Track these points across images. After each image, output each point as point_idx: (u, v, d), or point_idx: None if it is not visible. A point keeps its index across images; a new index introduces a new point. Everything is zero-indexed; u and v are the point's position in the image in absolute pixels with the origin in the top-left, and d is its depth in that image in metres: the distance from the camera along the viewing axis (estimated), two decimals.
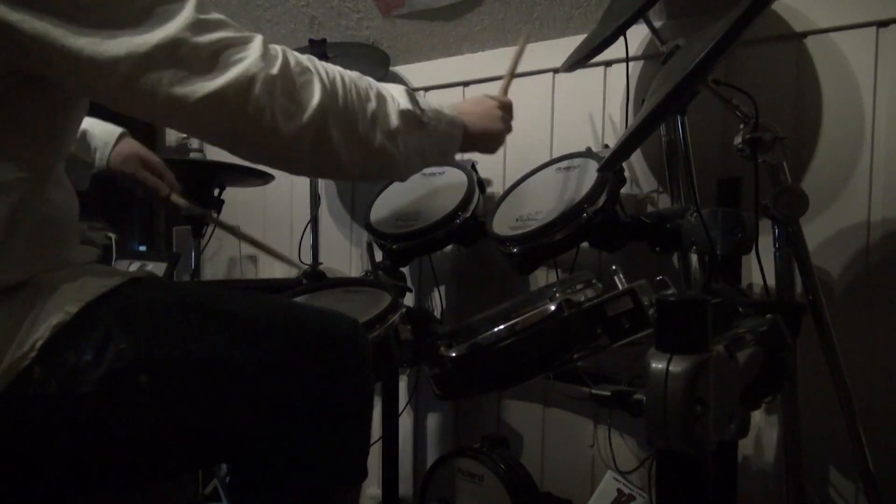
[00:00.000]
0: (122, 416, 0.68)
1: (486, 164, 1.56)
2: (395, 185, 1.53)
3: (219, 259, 2.09)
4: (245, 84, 0.67)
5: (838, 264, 1.20)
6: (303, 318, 0.84)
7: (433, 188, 1.45)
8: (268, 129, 0.70)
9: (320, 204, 1.75)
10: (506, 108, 1.07)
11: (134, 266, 1.67)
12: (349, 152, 0.77)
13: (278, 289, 1.41)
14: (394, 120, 0.82)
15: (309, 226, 1.70)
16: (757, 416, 1.24)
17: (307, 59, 0.76)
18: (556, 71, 1.51)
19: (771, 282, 1.01)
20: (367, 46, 1.71)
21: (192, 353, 0.72)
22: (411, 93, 0.87)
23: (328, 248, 1.80)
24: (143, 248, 2.27)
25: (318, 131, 0.73)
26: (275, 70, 0.69)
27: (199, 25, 0.66)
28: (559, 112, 1.52)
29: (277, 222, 2.02)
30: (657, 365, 0.67)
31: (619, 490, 1.32)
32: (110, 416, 0.67)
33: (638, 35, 1.36)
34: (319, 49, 1.58)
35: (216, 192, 1.55)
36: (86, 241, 0.87)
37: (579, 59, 1.26)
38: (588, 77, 1.46)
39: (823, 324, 0.98)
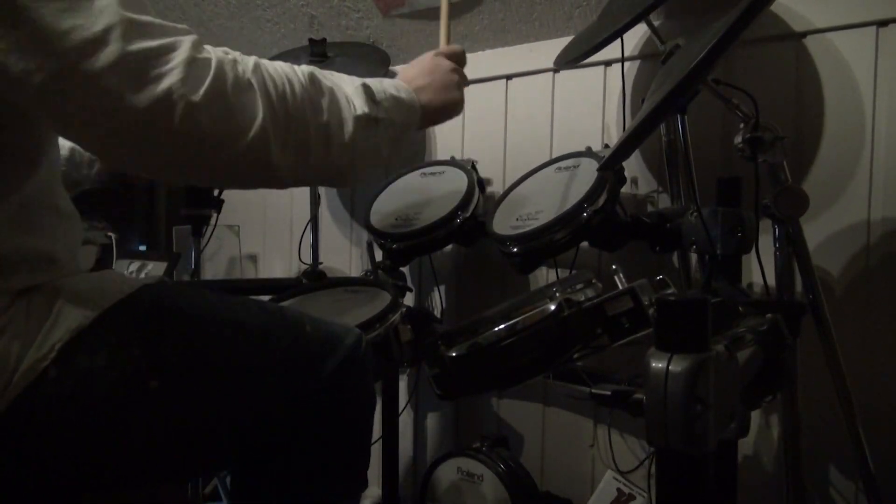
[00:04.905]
0: (132, 419, 0.69)
1: (486, 164, 1.56)
2: (396, 185, 1.53)
3: (219, 259, 2.08)
4: (164, 109, 0.59)
5: (838, 264, 1.20)
6: (309, 327, 0.84)
7: (433, 188, 1.45)
8: (193, 156, 0.64)
9: (320, 204, 1.75)
10: (458, 60, 1.00)
11: (134, 265, 1.66)
12: (294, 172, 0.72)
13: (279, 288, 1.41)
14: (348, 129, 0.75)
15: (309, 225, 1.69)
16: (757, 415, 1.24)
17: (252, 69, 0.68)
18: (556, 71, 1.51)
19: (771, 281, 1.01)
20: (367, 46, 1.71)
21: (201, 359, 0.74)
22: (367, 86, 0.80)
23: (328, 247, 1.80)
24: (143, 248, 2.27)
25: (257, 154, 0.67)
26: (198, 94, 0.61)
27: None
28: (559, 112, 1.52)
29: (277, 222, 2.02)
30: (657, 364, 0.67)
31: (619, 490, 1.32)
32: (121, 419, 0.68)
33: (636, 34, 1.36)
34: (319, 49, 1.58)
35: (216, 191, 1.54)
36: (86, 241, 0.88)
37: (575, 57, 1.25)
38: (588, 77, 1.46)
39: (823, 324, 0.98)
